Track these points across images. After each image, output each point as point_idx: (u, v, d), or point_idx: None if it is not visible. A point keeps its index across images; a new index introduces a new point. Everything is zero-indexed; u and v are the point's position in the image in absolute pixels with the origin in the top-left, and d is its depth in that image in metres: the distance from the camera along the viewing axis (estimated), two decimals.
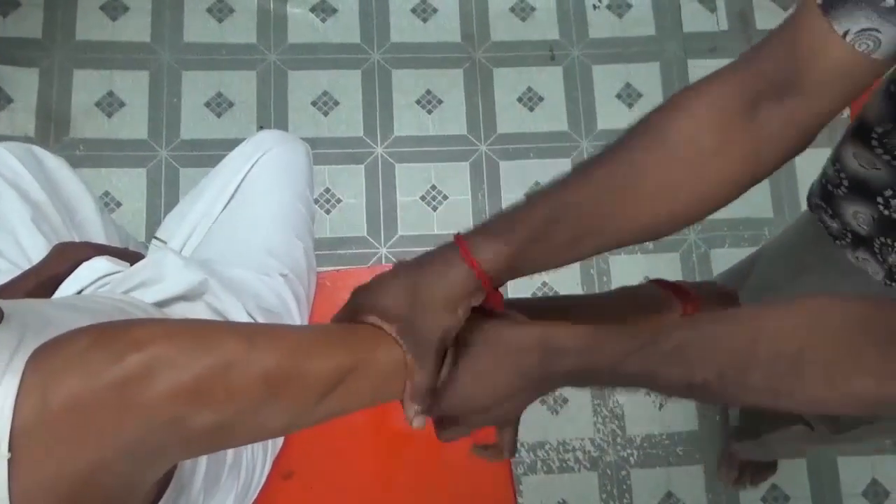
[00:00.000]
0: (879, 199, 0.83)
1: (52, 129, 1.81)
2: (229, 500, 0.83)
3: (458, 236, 0.63)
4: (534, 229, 0.62)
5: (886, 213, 0.83)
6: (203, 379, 0.45)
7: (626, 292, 0.79)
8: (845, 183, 0.87)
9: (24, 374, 0.42)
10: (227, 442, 0.53)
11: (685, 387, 0.56)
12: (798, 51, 0.60)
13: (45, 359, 0.43)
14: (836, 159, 0.88)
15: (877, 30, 0.56)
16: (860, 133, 0.81)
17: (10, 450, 0.41)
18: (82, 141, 1.81)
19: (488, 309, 0.64)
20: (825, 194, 0.93)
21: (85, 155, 1.80)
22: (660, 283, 0.80)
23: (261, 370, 0.48)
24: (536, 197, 0.64)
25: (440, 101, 1.93)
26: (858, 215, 0.88)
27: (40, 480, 0.41)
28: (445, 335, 0.60)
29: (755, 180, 0.65)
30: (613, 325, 0.60)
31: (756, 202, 1.91)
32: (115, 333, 0.45)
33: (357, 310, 0.63)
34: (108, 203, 1.77)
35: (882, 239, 0.85)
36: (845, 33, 0.57)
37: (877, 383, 0.51)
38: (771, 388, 0.54)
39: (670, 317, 0.76)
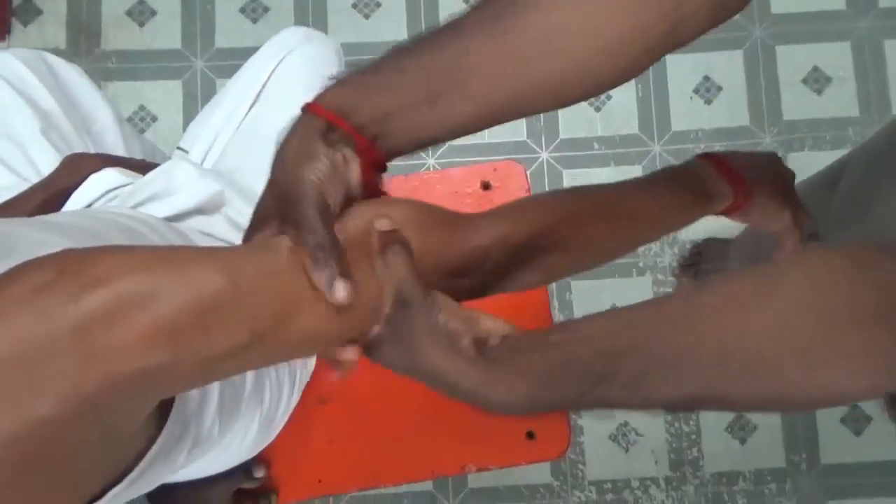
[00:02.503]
0: None
1: (82, 40, 1.73)
2: (254, 424, 0.77)
3: None
4: (381, 73, 0.51)
5: None
6: (176, 321, 0.37)
7: (666, 174, 0.66)
8: None
9: None
10: (211, 379, 0.46)
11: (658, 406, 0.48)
12: None
13: None
14: None
15: None
16: None
17: None
18: (114, 53, 1.73)
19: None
20: None
21: (118, 67, 1.72)
22: (711, 160, 0.67)
23: (244, 312, 0.40)
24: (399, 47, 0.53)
25: None
26: None
27: None
28: (317, 180, 0.49)
29: (672, 34, 0.51)
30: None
31: (840, 99, 1.71)
32: (76, 266, 0.37)
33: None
34: (143, 118, 1.70)
35: None
36: None
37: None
38: (753, 398, 0.47)
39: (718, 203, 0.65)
